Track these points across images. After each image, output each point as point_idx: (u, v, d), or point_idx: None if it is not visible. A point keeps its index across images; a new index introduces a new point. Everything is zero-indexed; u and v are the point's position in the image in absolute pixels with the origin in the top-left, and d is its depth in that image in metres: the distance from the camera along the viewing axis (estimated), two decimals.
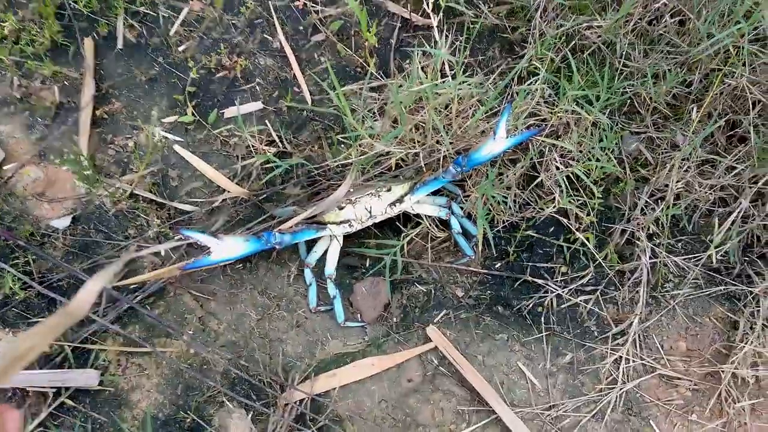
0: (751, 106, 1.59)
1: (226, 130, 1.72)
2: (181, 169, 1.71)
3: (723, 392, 1.46)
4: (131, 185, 1.63)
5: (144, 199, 1.65)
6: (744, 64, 1.58)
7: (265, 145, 1.70)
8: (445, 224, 1.65)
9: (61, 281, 1.55)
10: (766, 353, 1.46)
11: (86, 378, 1.46)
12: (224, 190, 1.66)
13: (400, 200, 1.56)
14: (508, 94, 1.70)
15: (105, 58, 1.78)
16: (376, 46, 1.82)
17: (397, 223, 1.68)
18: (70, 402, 1.44)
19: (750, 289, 1.53)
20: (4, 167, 1.65)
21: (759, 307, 1.51)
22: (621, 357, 1.50)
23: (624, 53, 1.68)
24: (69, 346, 1.47)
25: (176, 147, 1.70)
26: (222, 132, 1.72)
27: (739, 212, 1.51)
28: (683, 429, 1.46)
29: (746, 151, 1.59)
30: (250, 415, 1.43)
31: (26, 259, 1.55)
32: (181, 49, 1.81)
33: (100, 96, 1.75)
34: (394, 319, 1.58)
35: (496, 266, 1.63)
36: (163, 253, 1.63)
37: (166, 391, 1.48)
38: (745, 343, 1.48)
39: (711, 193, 1.58)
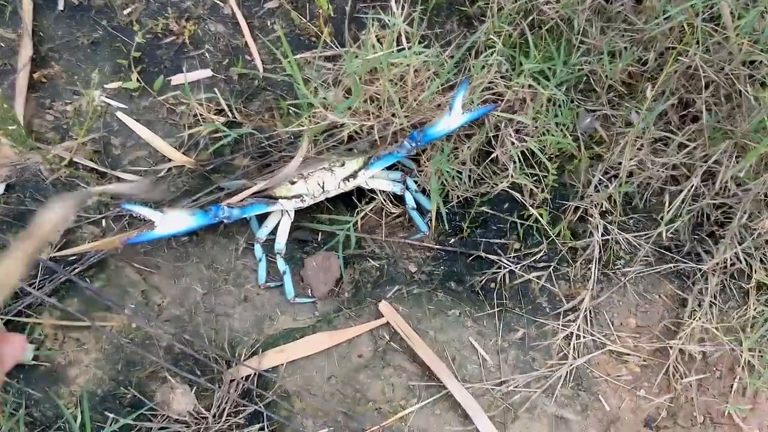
0: (704, 85, 1.60)
1: (173, 97, 1.65)
2: (124, 137, 1.64)
3: (671, 368, 1.47)
4: (70, 152, 1.55)
5: (84, 168, 1.57)
6: (698, 43, 1.58)
7: (214, 114, 1.64)
8: (399, 199, 1.62)
9: None
10: (713, 329, 1.48)
11: None
12: (169, 160, 1.59)
13: (353, 175, 1.52)
14: (465, 68, 1.67)
15: (45, 20, 1.69)
16: (332, 15, 1.77)
17: (351, 197, 1.64)
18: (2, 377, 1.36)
19: (699, 266, 1.55)
20: None
21: (707, 284, 1.53)
22: (572, 333, 1.49)
23: (581, 30, 1.67)
24: (1, 318, 1.39)
25: (119, 114, 1.63)
26: (168, 99, 1.65)
27: (689, 190, 1.52)
28: (632, 404, 1.47)
29: (698, 129, 1.60)
30: (193, 391, 1.39)
31: None
32: (126, 12, 1.73)
33: (39, 59, 1.66)
34: (346, 295, 1.55)
35: (450, 242, 1.61)
36: (104, 224, 1.56)
37: (105, 367, 1.42)
38: (693, 320, 1.49)
39: (663, 171, 1.59)
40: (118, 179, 1.60)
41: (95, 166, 1.59)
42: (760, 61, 1.56)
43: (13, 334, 0.68)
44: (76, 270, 1.47)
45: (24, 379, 1.38)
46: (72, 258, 1.49)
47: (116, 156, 1.63)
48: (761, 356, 1.45)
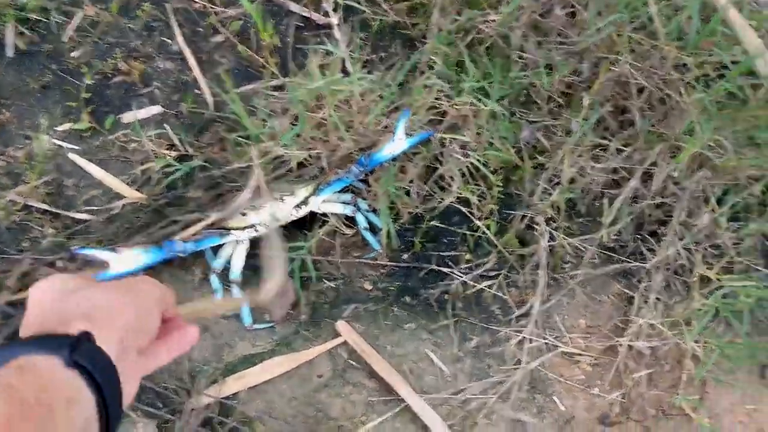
0: (636, 91, 1.67)
1: (124, 135, 1.68)
2: (77, 177, 1.67)
3: (621, 365, 1.52)
4: (23, 197, 1.57)
5: (38, 210, 1.59)
6: (631, 51, 1.66)
7: (166, 149, 1.67)
8: (352, 220, 1.66)
9: None
10: (659, 325, 1.53)
11: None
12: (123, 197, 1.62)
13: (305, 202, 1.56)
14: (408, 88, 1.73)
15: None
16: (278, 45, 1.82)
17: (304, 222, 1.68)
18: None
19: (642, 265, 1.60)
20: None
21: (651, 281, 1.59)
22: (524, 338, 1.54)
23: (519, 45, 1.74)
24: None
25: (71, 155, 1.66)
26: (120, 137, 1.69)
27: (627, 192, 1.58)
28: (586, 403, 1.51)
29: (635, 134, 1.67)
30: (155, 424, 1.41)
31: None
32: (75, 55, 1.77)
33: None
34: (303, 317, 1.58)
35: (403, 258, 1.66)
36: (61, 265, 1.58)
37: None
38: (640, 317, 1.54)
39: (603, 176, 1.65)
40: (73, 220, 1.63)
41: (49, 208, 1.62)
42: (685, 65, 1.64)
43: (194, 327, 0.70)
44: None
45: None
46: None
47: (70, 197, 1.65)
48: (705, 346, 1.51)
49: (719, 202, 1.61)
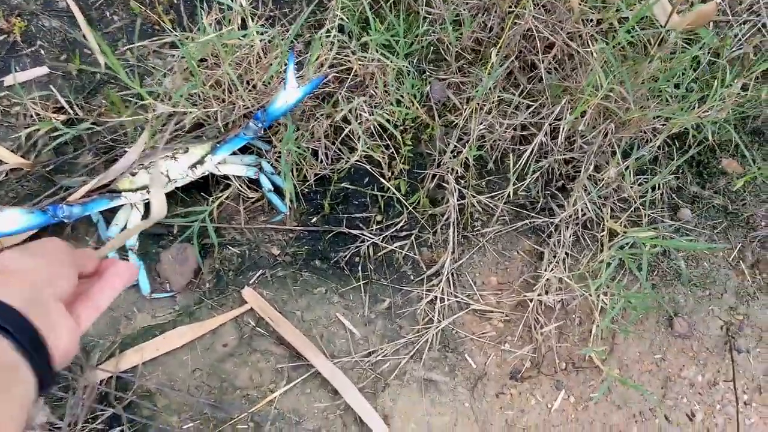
0: (541, 46, 1.65)
1: (6, 98, 1.56)
2: None
3: (531, 319, 1.52)
4: None
5: None
6: (533, 6, 1.63)
7: (53, 112, 1.56)
8: (257, 183, 1.59)
9: None
10: (567, 279, 1.53)
11: None
12: (5, 163, 1.50)
13: (200, 161, 1.48)
14: (312, 46, 1.66)
15: None
16: (174, 1, 1.71)
17: (207, 186, 1.61)
18: None
19: (552, 220, 1.60)
20: None
21: (561, 236, 1.59)
22: (436, 297, 1.52)
23: (425, 0, 1.69)
24: None
25: None
26: (1, 101, 1.56)
27: (533, 147, 1.57)
28: (497, 359, 1.51)
29: (542, 90, 1.66)
30: (44, 402, 1.32)
31: None
32: None
33: None
34: (207, 285, 1.51)
35: (312, 221, 1.60)
36: None
37: None
38: (548, 271, 1.54)
39: (511, 132, 1.63)
40: None
41: None
42: (591, 19, 1.63)
43: (123, 262, 0.72)
44: None
45: None
46: None
47: None
48: (612, 298, 1.52)
49: (625, 155, 1.62)
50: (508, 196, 1.57)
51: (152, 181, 1.31)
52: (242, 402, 1.39)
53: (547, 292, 1.52)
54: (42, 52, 1.64)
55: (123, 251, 1.47)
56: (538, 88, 1.70)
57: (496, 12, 1.69)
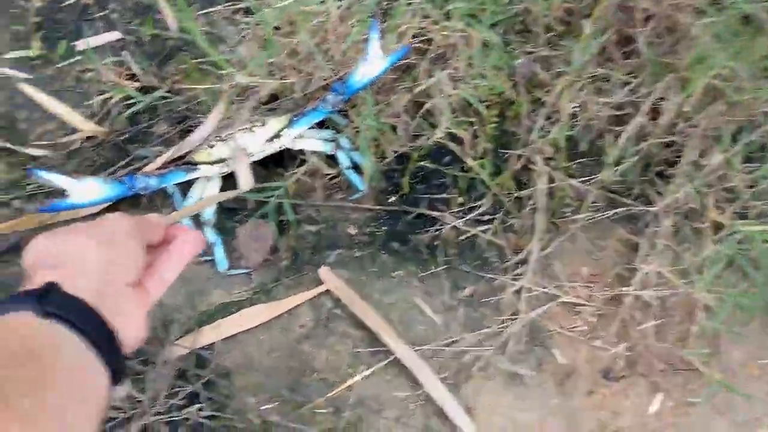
0: (643, 18, 1.52)
1: (79, 63, 1.51)
2: (29, 110, 1.50)
3: (626, 316, 1.41)
4: None
5: None
6: None
7: (126, 79, 1.51)
8: (334, 159, 1.52)
9: None
10: (667, 273, 1.42)
11: None
12: (80, 131, 1.46)
13: (277, 135, 1.41)
14: (393, 13, 1.57)
15: None
16: None
17: (282, 161, 1.54)
18: None
19: (649, 208, 1.48)
20: None
21: (659, 226, 1.47)
22: (522, 286, 1.42)
23: None
24: None
25: (21, 85, 1.49)
26: (74, 66, 1.51)
27: (633, 129, 1.45)
28: (588, 355, 1.41)
29: (641, 65, 1.53)
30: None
31: None
32: None
33: None
34: (283, 263, 1.45)
35: (390, 200, 1.52)
36: (17, 205, 1.44)
37: None
38: (646, 265, 1.43)
39: (606, 111, 1.52)
40: (28, 156, 1.47)
41: (2, 144, 1.46)
42: None
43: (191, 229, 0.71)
44: None
45: None
46: None
47: (23, 131, 1.49)
48: (718, 297, 1.40)
49: (733, 140, 1.48)
50: (603, 180, 1.46)
51: (236, 154, 1.25)
52: (320, 385, 1.33)
53: (644, 287, 1.40)
54: (114, 16, 1.59)
55: (199, 226, 1.41)
56: (633, 64, 1.57)
57: None
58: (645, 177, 1.53)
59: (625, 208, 1.51)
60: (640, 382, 1.38)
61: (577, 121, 1.53)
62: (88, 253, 0.57)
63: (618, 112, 1.55)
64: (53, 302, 0.50)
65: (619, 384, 1.38)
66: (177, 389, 1.30)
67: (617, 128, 1.52)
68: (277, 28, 1.53)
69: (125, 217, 0.64)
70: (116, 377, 0.53)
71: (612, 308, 1.44)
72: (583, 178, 1.51)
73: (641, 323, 1.40)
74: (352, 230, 1.50)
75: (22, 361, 0.45)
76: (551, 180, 1.50)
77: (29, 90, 1.48)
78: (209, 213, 1.39)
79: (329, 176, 1.54)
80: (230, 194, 0.86)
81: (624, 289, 1.43)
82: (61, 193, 1.23)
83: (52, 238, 0.58)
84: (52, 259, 0.56)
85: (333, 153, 1.47)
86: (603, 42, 1.51)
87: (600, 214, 1.51)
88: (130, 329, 0.56)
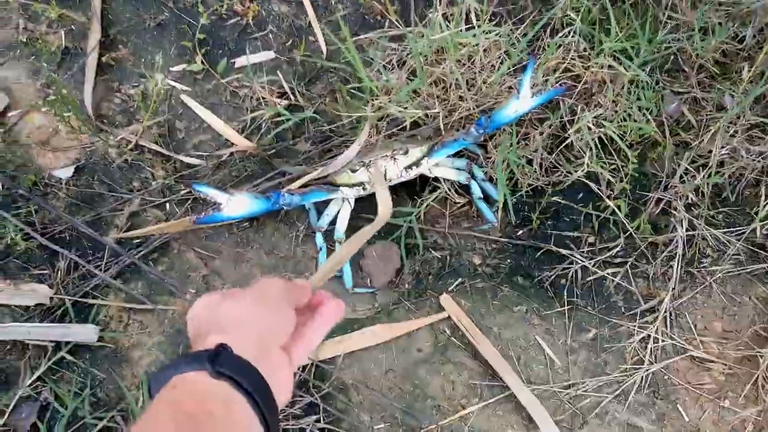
0: None
1: (236, 80, 1.63)
2: (188, 120, 1.63)
3: (760, 378, 1.34)
4: (136, 136, 1.55)
5: (149, 151, 1.57)
6: None
7: (276, 98, 1.60)
8: (464, 188, 1.54)
9: (62, 233, 1.50)
10: None
11: (86, 333, 1.41)
12: (232, 144, 1.57)
13: (417, 163, 1.45)
14: (539, 48, 1.56)
15: (113, 2, 1.70)
16: None
17: (414, 186, 1.58)
18: (69, 357, 1.39)
19: None
20: (9, 114, 1.59)
21: None
22: (649, 336, 1.38)
23: (669, 4, 1.52)
24: (69, 299, 1.42)
25: (183, 97, 1.62)
26: (231, 82, 1.63)
27: None
28: (714, 415, 1.35)
29: None
30: None
31: (28, 209, 1.50)
32: None
33: (107, 41, 1.67)
34: (406, 286, 1.49)
35: (518, 234, 1.52)
36: (168, 208, 1.57)
37: (167, 350, 1.43)
38: None
39: (759, 161, 1.43)
40: (183, 163, 1.60)
41: (160, 150, 1.59)
42: None
43: (334, 300, 0.72)
44: (141, 253, 1.48)
45: (89, 359, 1.41)
46: (137, 241, 1.50)
47: (180, 140, 1.62)
48: None
49: None
50: (752, 232, 1.39)
51: (377, 182, 1.30)
52: (433, 412, 1.36)
53: None
54: (270, 36, 1.69)
55: (331, 242, 1.48)
56: None
57: (753, 21, 1.49)
58: None
59: None
60: None
61: (725, 168, 1.46)
62: (249, 317, 0.61)
63: None
64: (225, 364, 0.54)
65: None
66: (296, 398, 1.37)
67: (767, 179, 1.44)
68: (423, 56, 1.57)
69: (279, 281, 0.67)
70: None
71: (745, 368, 1.37)
72: (727, 229, 1.44)
73: None
74: (477, 260, 1.52)
75: (200, 419, 0.50)
76: (691, 227, 1.44)
77: (191, 102, 1.61)
78: (341, 232, 1.46)
79: (458, 205, 1.56)
80: (374, 229, 0.90)
81: (761, 350, 1.36)
82: (212, 204, 1.34)
83: (217, 302, 0.63)
84: (217, 322, 0.60)
85: (466, 183, 1.49)
86: (764, 89, 1.43)
87: (740, 268, 1.43)
88: (282, 391, 0.59)
